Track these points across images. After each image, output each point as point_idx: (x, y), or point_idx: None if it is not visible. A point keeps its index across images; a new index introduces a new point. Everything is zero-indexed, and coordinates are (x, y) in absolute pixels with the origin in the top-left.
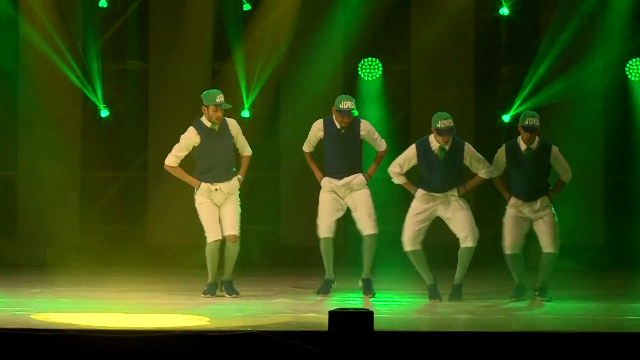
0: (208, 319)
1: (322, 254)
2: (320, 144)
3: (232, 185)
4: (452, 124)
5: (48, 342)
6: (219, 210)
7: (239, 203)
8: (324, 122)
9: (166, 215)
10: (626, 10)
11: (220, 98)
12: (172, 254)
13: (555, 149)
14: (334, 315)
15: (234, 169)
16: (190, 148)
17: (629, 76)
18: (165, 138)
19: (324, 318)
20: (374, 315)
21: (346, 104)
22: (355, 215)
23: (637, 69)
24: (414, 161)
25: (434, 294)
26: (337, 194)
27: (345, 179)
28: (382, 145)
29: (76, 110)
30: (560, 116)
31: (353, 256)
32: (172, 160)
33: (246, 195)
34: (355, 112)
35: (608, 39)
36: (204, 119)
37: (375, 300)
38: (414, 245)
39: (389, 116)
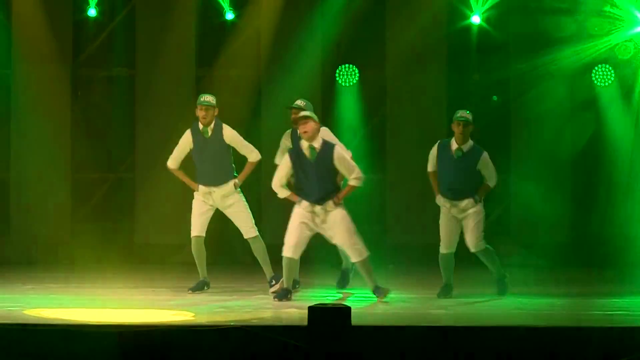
0: (193, 314)
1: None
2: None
3: (227, 190)
4: None
5: (40, 337)
6: (212, 209)
7: (244, 201)
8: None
9: (152, 215)
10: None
11: (204, 97)
12: (159, 251)
13: (485, 155)
14: (313, 310)
15: (235, 173)
16: (187, 150)
17: (596, 82)
18: (151, 141)
19: (304, 313)
20: (352, 310)
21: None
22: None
23: (603, 74)
24: None
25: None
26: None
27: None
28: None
29: (66, 115)
30: (530, 118)
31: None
32: (170, 162)
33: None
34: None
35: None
36: (199, 123)
37: (352, 296)
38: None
39: (365, 120)
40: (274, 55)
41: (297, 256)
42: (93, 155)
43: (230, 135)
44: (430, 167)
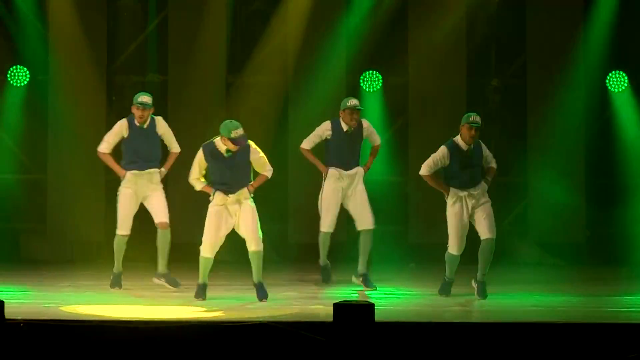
0: (222, 311)
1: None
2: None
3: (154, 176)
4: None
5: (75, 332)
6: (139, 202)
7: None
8: (331, 123)
9: (183, 214)
10: (607, 24)
11: (143, 98)
12: (189, 249)
13: (482, 145)
14: (338, 307)
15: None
16: (119, 137)
17: (609, 87)
18: (183, 144)
19: (329, 309)
20: (375, 307)
21: (352, 101)
22: (351, 210)
23: (617, 81)
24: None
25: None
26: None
27: (351, 171)
28: (378, 140)
29: (101, 119)
30: (546, 123)
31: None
32: (102, 146)
33: (258, 197)
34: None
35: (589, 52)
36: (135, 118)
37: (375, 293)
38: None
39: (388, 124)
40: (300, 62)
41: (213, 255)
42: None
43: (162, 126)
44: (427, 171)
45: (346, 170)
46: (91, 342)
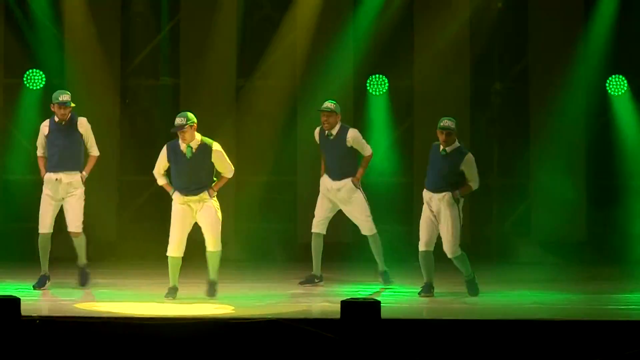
0: (233, 308)
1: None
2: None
3: (73, 178)
4: None
5: (89, 329)
6: (58, 205)
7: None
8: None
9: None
10: (607, 29)
11: (63, 97)
12: (199, 247)
13: (469, 157)
14: (345, 304)
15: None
16: (43, 137)
17: (609, 91)
18: None
19: (336, 307)
20: (381, 305)
21: (325, 104)
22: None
23: (616, 84)
24: None
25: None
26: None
27: (339, 183)
28: (367, 150)
29: (115, 121)
30: (547, 125)
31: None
32: (39, 150)
33: (267, 198)
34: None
35: (590, 56)
36: (55, 117)
37: (383, 292)
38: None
39: (394, 126)
40: (309, 67)
41: (180, 254)
42: (139, 160)
43: (84, 125)
44: None
45: (333, 179)
46: (104, 338)
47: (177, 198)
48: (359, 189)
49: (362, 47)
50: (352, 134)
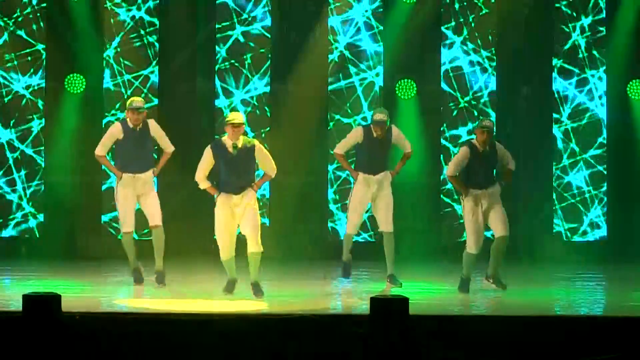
0: (266, 304)
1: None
2: (354, 147)
3: (147, 176)
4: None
5: (127, 324)
6: (137, 200)
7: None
8: (363, 129)
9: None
10: (628, 34)
11: (137, 103)
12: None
13: (500, 145)
14: (375, 301)
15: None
16: (114, 140)
17: (630, 95)
18: None
19: (366, 303)
20: (409, 301)
21: (379, 115)
22: (375, 213)
23: (637, 89)
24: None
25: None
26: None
27: (379, 175)
28: (408, 146)
29: None
30: (571, 128)
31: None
32: (99, 149)
33: (300, 198)
34: (388, 122)
35: (611, 61)
36: (128, 121)
37: (410, 288)
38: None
39: (422, 129)
40: (339, 72)
41: (232, 255)
42: (175, 161)
43: (154, 127)
44: (454, 172)
45: (375, 174)
46: (142, 333)
47: (221, 200)
48: (390, 185)
49: (392, 52)
50: (396, 131)
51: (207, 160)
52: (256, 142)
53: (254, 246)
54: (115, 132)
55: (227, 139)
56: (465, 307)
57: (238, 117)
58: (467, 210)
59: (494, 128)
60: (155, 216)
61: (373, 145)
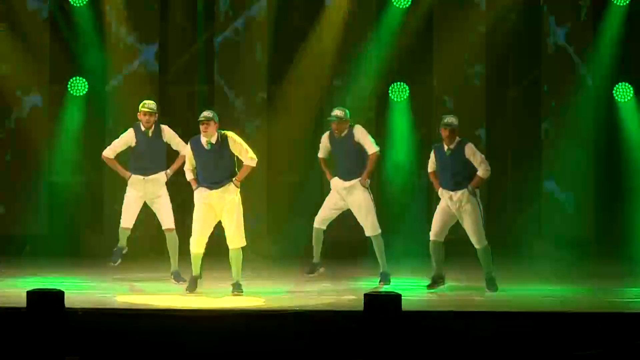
0: (263, 300)
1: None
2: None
3: (159, 178)
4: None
5: (128, 320)
6: (143, 203)
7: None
8: (328, 132)
9: None
10: (614, 39)
11: (149, 105)
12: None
13: (469, 145)
14: (369, 297)
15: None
16: (125, 146)
17: (616, 98)
18: None
19: (360, 300)
20: (402, 298)
21: (334, 111)
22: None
23: (623, 91)
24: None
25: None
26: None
27: (348, 183)
28: (372, 147)
29: None
30: (558, 129)
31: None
32: (108, 152)
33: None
34: (345, 118)
35: (598, 64)
36: (141, 125)
37: (402, 285)
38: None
39: (415, 131)
40: (335, 75)
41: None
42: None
43: (167, 132)
44: (430, 168)
45: (344, 180)
46: (143, 330)
47: (199, 194)
48: (367, 189)
49: (385, 55)
50: (358, 131)
51: (189, 155)
52: (229, 134)
53: (233, 242)
54: (128, 138)
55: (203, 136)
56: (457, 304)
57: (204, 114)
58: (439, 205)
59: (457, 125)
60: (166, 220)
61: (336, 147)
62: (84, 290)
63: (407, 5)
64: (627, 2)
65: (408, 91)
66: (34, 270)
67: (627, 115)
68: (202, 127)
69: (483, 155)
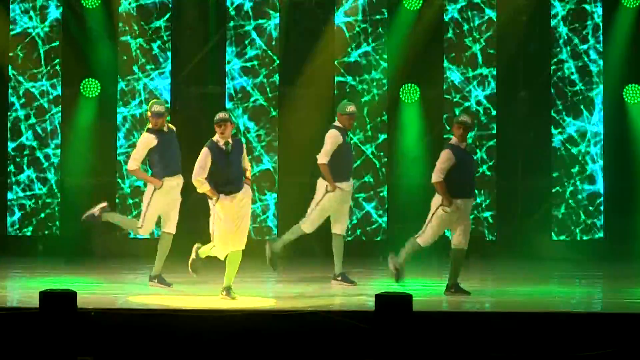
0: (275, 301)
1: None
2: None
3: (181, 179)
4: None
5: (141, 320)
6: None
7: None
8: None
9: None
10: (624, 39)
11: (157, 107)
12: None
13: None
14: (380, 297)
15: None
16: (147, 149)
17: (626, 99)
18: None
19: (371, 300)
20: (413, 298)
21: (351, 107)
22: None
23: (633, 93)
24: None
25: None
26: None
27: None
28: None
29: None
30: (568, 131)
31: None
32: (132, 164)
33: (307, 197)
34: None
35: (608, 66)
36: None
37: (413, 285)
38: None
39: (425, 132)
40: (345, 76)
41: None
42: (188, 163)
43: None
44: (442, 176)
45: (348, 180)
46: (155, 329)
47: (225, 203)
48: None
49: (396, 58)
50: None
51: (206, 161)
52: (239, 138)
53: (242, 244)
54: (147, 141)
55: (217, 139)
56: (467, 304)
57: (221, 115)
58: (444, 217)
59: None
60: (173, 224)
61: (345, 145)
62: (96, 290)
63: (418, 7)
64: (638, 3)
65: (419, 93)
66: (46, 271)
67: (637, 116)
68: (219, 129)
69: None
